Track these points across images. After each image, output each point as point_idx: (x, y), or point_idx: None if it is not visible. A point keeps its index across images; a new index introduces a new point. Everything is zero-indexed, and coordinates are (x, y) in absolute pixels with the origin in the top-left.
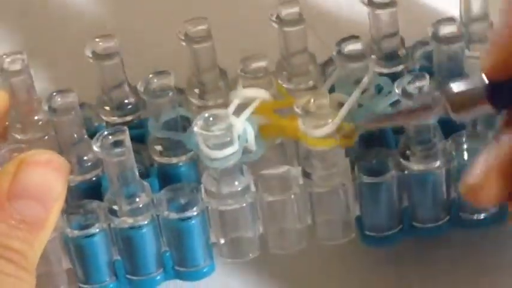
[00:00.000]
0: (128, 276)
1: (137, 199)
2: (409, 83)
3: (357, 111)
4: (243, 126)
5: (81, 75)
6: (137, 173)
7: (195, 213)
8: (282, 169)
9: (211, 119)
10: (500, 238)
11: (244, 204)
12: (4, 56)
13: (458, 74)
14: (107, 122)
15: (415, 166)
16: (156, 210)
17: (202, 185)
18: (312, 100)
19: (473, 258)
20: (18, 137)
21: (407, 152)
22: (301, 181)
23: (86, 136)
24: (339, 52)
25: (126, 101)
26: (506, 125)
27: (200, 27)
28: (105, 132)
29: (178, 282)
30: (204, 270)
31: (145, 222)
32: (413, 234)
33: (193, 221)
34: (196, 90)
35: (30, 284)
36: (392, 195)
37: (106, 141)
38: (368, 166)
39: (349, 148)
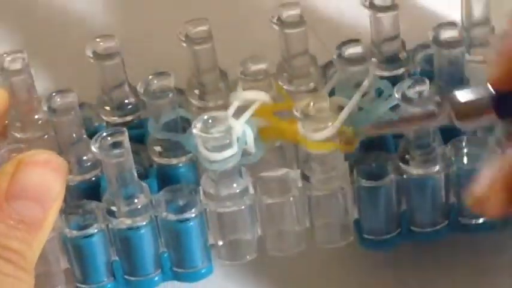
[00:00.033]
0: (126, 276)
1: (136, 200)
2: (409, 87)
3: (357, 114)
4: (242, 129)
5: (81, 75)
6: (136, 174)
7: (193, 215)
8: (281, 172)
9: (210, 121)
10: (499, 241)
11: (243, 207)
12: (4, 55)
13: (459, 78)
14: (107, 122)
15: (414, 170)
16: (155, 211)
17: (201, 187)
18: (312, 103)
19: (472, 262)
20: (18, 135)
21: (407, 156)
22: (300, 184)
23: (85, 136)
24: (339, 55)
25: (126, 101)
26: (511, 136)
27: (201, 28)
28: (104, 134)
29: (176, 283)
30: (202, 272)
31: (144, 223)
32: (411, 238)
33: (191, 223)
34: (197, 91)
35: (29, 284)
36: (391, 199)
37: (105, 143)
38: (367, 170)
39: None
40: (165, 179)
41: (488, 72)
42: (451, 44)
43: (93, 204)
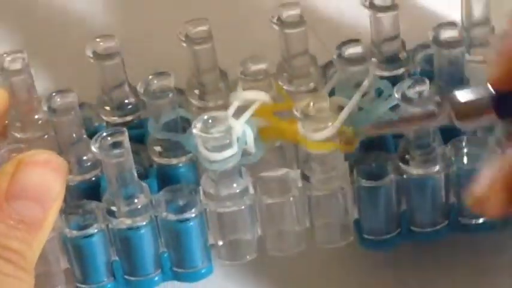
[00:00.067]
0: (126, 276)
1: (136, 200)
2: (409, 87)
3: (357, 114)
4: (242, 129)
5: (81, 75)
6: (136, 174)
7: (193, 215)
8: (281, 172)
9: (210, 121)
10: (499, 241)
11: (243, 207)
12: (4, 55)
13: (459, 78)
14: (107, 122)
15: (414, 170)
16: (155, 211)
17: (200, 187)
18: (312, 103)
19: (472, 262)
20: (18, 135)
21: (407, 156)
22: (300, 184)
23: (85, 136)
24: (339, 55)
25: (126, 101)
26: (511, 136)
27: (201, 28)
28: (104, 134)
29: (176, 283)
30: (202, 272)
31: (144, 223)
32: (411, 238)
33: (191, 223)
34: (196, 91)
35: (29, 284)
36: (391, 199)
37: (105, 143)
38: (367, 170)
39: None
40: (165, 179)
41: (488, 72)
42: (451, 44)
43: (93, 204)
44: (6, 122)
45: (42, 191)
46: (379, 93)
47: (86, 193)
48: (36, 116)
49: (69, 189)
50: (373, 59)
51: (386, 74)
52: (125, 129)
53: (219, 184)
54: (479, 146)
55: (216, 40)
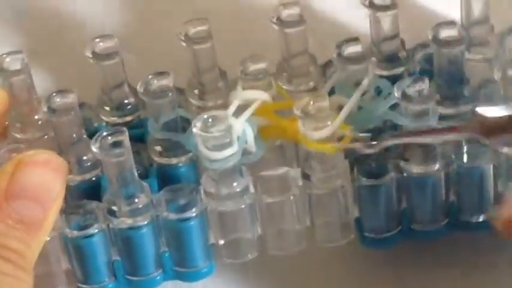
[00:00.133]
0: (127, 276)
1: (136, 200)
2: (409, 86)
3: (357, 113)
4: (242, 128)
5: (81, 76)
6: (136, 174)
7: (194, 214)
8: (281, 170)
9: (210, 120)
10: (500, 240)
11: (243, 206)
12: (4, 56)
13: (459, 77)
14: (106, 122)
15: (414, 169)
16: (156, 211)
17: (201, 186)
18: (312, 102)
19: (472, 260)
20: (18, 136)
21: (407, 154)
22: (300, 183)
23: (85, 136)
24: (339, 54)
25: (126, 101)
26: None
27: (200, 28)
28: (104, 133)
29: (178, 282)
30: (203, 271)
31: (145, 223)
32: (412, 236)
33: (192, 222)
34: (196, 91)
35: (28, 284)
36: (391, 198)
37: (105, 142)
38: (367, 168)
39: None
40: (165, 178)
41: None
42: (450, 43)
43: (94, 204)
44: (6, 122)
45: (41, 191)
46: (379, 92)
47: (86, 193)
48: (36, 117)
49: (69, 190)
50: (373, 58)
51: (385, 73)
52: (125, 128)
53: (220, 183)
54: (479, 144)
55: (215, 40)
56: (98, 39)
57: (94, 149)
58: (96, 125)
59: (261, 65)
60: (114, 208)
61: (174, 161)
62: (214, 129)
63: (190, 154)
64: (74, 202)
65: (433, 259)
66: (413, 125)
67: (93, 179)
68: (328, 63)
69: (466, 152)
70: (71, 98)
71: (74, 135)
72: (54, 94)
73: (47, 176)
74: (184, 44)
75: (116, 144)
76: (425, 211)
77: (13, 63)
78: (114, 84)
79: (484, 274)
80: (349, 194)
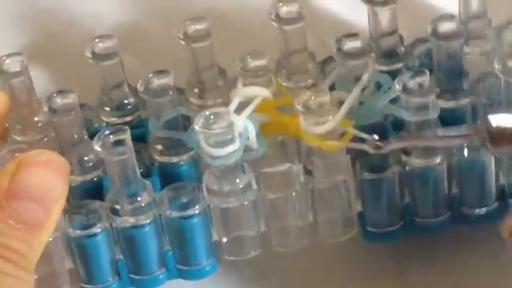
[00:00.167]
0: (131, 275)
1: (139, 198)
2: (410, 79)
3: (358, 108)
4: (244, 124)
5: (82, 77)
6: (139, 172)
7: (197, 212)
8: (284, 167)
9: (212, 117)
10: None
11: (246, 202)
12: (3, 58)
13: (458, 71)
14: (107, 123)
15: (416, 162)
16: (158, 209)
17: (203, 184)
18: (313, 97)
19: (475, 254)
20: (18, 138)
21: (408, 148)
22: (302, 178)
23: (86, 137)
24: (339, 49)
25: (126, 101)
26: None
27: (199, 26)
28: (107, 132)
29: (181, 281)
30: (207, 269)
31: (148, 221)
32: (414, 230)
33: (195, 220)
34: (196, 90)
35: (29, 284)
36: (393, 191)
37: (107, 141)
38: (369, 162)
39: None
40: (167, 177)
41: None
42: (449, 36)
43: (97, 203)
44: (7, 125)
45: (43, 191)
46: (379, 87)
47: (88, 194)
48: (36, 119)
49: (71, 190)
50: (372, 54)
51: (384, 68)
52: (127, 127)
53: (222, 180)
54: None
55: (214, 38)
56: (97, 40)
57: (96, 147)
58: (96, 125)
59: (261, 62)
60: (117, 207)
61: (175, 159)
62: (216, 126)
63: (192, 152)
64: (77, 202)
65: (435, 253)
66: (414, 118)
67: (95, 179)
68: (327, 60)
69: (467, 144)
70: (72, 98)
71: (75, 135)
72: (54, 94)
73: (48, 176)
74: (183, 42)
75: (118, 143)
76: (428, 204)
77: (13, 65)
78: (114, 85)
79: (486, 268)
80: (352, 188)
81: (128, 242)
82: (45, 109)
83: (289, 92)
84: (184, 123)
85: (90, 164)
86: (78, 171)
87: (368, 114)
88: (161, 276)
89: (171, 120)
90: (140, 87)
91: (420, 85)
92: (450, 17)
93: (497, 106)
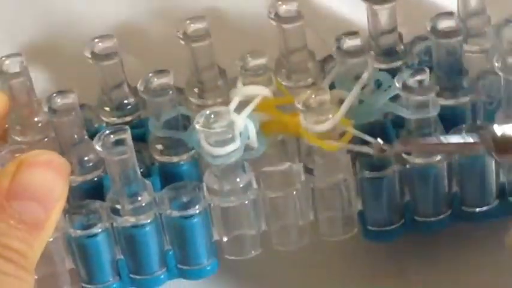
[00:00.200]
0: (131, 275)
1: (139, 198)
2: (409, 77)
3: (358, 107)
4: (244, 123)
5: (82, 77)
6: (139, 172)
7: (197, 211)
8: (284, 166)
9: (212, 116)
10: (501, 230)
11: (246, 201)
12: (3, 58)
13: (458, 68)
14: (107, 123)
15: (417, 160)
16: (159, 209)
17: (204, 183)
18: (313, 95)
19: (476, 252)
20: (18, 139)
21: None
22: (303, 177)
23: (86, 137)
24: (338, 48)
25: (125, 101)
26: None
27: (198, 26)
28: (107, 131)
29: (182, 280)
30: (208, 269)
31: (148, 221)
32: (415, 228)
33: (195, 219)
34: (196, 90)
35: (30, 284)
36: (394, 190)
37: (108, 140)
38: (369, 161)
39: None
40: (167, 177)
41: None
42: (448, 34)
43: (97, 203)
44: (6, 125)
45: (43, 191)
46: (378, 85)
47: (88, 194)
48: (36, 119)
49: (71, 190)
50: (371, 52)
51: (383, 66)
52: (127, 126)
53: (222, 179)
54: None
55: (214, 38)
56: (96, 40)
57: (97, 147)
58: (96, 125)
59: (261, 61)
60: (118, 207)
61: (175, 159)
62: (216, 125)
63: (192, 152)
64: (77, 202)
65: (436, 252)
66: (414, 116)
67: (95, 179)
68: (326, 59)
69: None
70: (72, 98)
71: (75, 135)
72: (54, 95)
73: (48, 176)
74: (183, 42)
75: (119, 142)
76: (428, 203)
77: (12, 66)
78: (114, 85)
79: (487, 266)
80: (352, 187)
81: (129, 241)
82: (45, 109)
83: (289, 91)
84: (184, 122)
85: (91, 164)
86: (79, 171)
87: (368, 112)
88: (162, 276)
89: (171, 120)
90: (140, 86)
91: (420, 83)
92: (449, 15)
93: (497, 104)
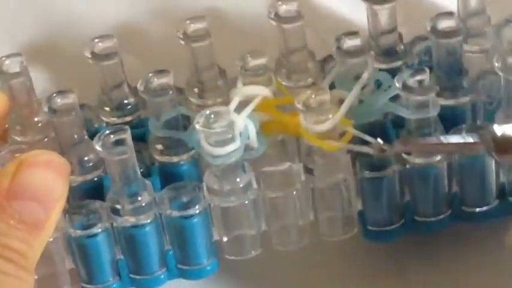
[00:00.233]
0: (131, 275)
1: (139, 198)
2: (409, 77)
3: (358, 107)
4: (244, 123)
5: (82, 77)
6: (139, 172)
7: (197, 211)
8: (284, 166)
9: (212, 116)
10: (501, 231)
11: (246, 201)
12: (3, 58)
13: (458, 68)
14: (107, 123)
15: (417, 160)
16: (159, 209)
17: (204, 183)
18: (313, 95)
19: (476, 252)
20: (18, 139)
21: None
22: (303, 177)
23: (86, 137)
24: (338, 48)
25: (125, 101)
26: None
27: (198, 26)
28: (107, 131)
29: (182, 280)
30: (207, 269)
31: (148, 221)
32: (415, 228)
33: (195, 219)
34: (196, 90)
35: (29, 284)
36: (393, 190)
37: (108, 140)
38: (369, 161)
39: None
40: (167, 177)
41: None
42: (448, 34)
43: (97, 203)
44: (6, 125)
45: (43, 191)
46: (378, 85)
47: (88, 194)
48: (36, 119)
49: (71, 190)
50: (371, 52)
51: (383, 66)
52: (127, 126)
53: (222, 179)
54: (479, 134)
55: (214, 38)
56: (96, 40)
57: (97, 147)
58: (96, 125)
59: (261, 61)
60: (118, 207)
61: (175, 159)
62: (216, 125)
63: (192, 152)
64: (77, 202)
65: (436, 252)
66: (414, 116)
67: (95, 179)
68: (326, 59)
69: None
70: (72, 98)
71: (75, 135)
72: (54, 95)
73: (48, 177)
74: (183, 42)
75: (119, 143)
76: (428, 203)
77: (12, 66)
78: (114, 85)
79: (487, 266)
80: (352, 187)
81: (129, 241)
82: (45, 109)
83: (289, 91)
84: (184, 122)
85: (91, 164)
86: (79, 171)
87: (368, 112)
88: (162, 276)
89: (171, 120)
90: (140, 87)
91: (420, 83)
92: (449, 15)
93: (497, 104)
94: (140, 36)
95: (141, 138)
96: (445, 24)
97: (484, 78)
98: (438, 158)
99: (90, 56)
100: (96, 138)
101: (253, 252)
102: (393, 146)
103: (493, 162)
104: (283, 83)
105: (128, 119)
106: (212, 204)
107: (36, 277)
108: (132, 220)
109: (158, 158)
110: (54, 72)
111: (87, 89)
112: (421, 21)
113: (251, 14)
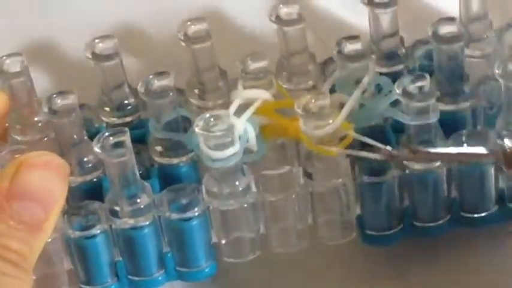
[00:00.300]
0: (130, 277)
1: (138, 200)
2: (410, 83)
3: (358, 111)
4: (244, 127)
5: (82, 77)
6: (138, 174)
7: (196, 214)
8: (283, 169)
9: (212, 119)
10: (501, 237)
11: (245, 205)
12: (4, 58)
13: (459, 73)
14: (107, 123)
15: (416, 165)
16: (158, 211)
17: (203, 186)
18: (313, 100)
19: (474, 257)
20: (18, 138)
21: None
22: (302, 181)
23: (86, 137)
24: (339, 52)
25: (126, 101)
26: None
27: (199, 27)
28: (106, 133)
29: (180, 282)
30: (206, 271)
31: (147, 223)
32: (414, 233)
33: (194, 222)
34: (196, 91)
35: (29, 284)
36: (393, 195)
37: (107, 142)
38: (369, 166)
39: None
40: (167, 178)
41: None
42: (450, 39)
43: (96, 204)
44: (7, 125)
45: (43, 192)
46: (379, 89)
47: (87, 194)
48: (36, 118)
49: (71, 191)
50: (372, 56)
51: (385, 70)
52: (126, 129)
53: (222, 182)
54: (480, 140)
55: (215, 39)
56: (97, 40)
57: (96, 149)
58: (96, 126)
59: (262, 64)
60: (116, 208)
61: (175, 161)
62: (216, 128)
63: (191, 154)
64: (76, 203)
65: (435, 256)
66: (414, 122)
67: (94, 180)
68: (327, 62)
69: (467, 148)
70: (72, 99)
71: (75, 136)
72: (54, 95)
73: (48, 177)
74: (183, 43)
75: (118, 145)
76: (427, 208)
77: (13, 65)
78: (114, 85)
79: (486, 271)
80: (351, 191)
81: (127, 243)
82: (45, 110)
83: (290, 94)
84: (185, 124)
85: (90, 165)
86: (78, 172)
87: (368, 116)
88: (160, 278)
89: (171, 122)
90: (140, 88)
91: (420, 89)
92: (451, 20)
93: (497, 109)
94: (141, 37)
95: (141, 139)
96: (446, 29)
97: (484, 83)
98: (438, 163)
99: (90, 57)
100: (95, 140)
101: (251, 255)
102: (402, 154)
103: (493, 168)
104: (283, 85)
105: (128, 119)
106: (211, 207)
107: (34, 277)
108: (130, 222)
109: (158, 159)
110: (54, 72)
111: (87, 89)
112: (423, 26)
113: (252, 15)
